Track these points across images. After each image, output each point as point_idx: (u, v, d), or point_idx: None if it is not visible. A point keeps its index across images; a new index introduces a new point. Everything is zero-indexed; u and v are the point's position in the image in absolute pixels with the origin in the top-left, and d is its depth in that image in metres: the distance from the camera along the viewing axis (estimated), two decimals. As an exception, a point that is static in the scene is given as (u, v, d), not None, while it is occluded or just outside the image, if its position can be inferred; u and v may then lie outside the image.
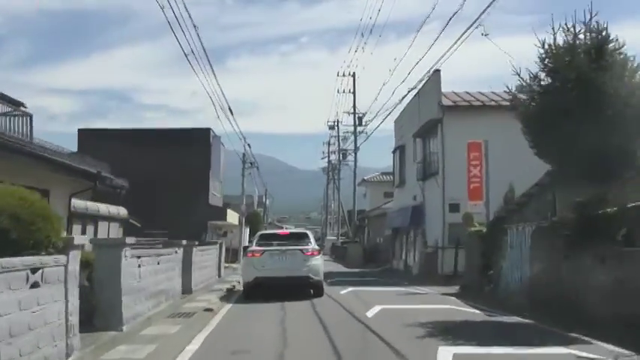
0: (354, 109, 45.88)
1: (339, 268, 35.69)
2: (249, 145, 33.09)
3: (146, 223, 24.05)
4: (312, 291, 14.46)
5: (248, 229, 43.53)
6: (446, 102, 22.67)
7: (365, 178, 49.73)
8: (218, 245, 24.05)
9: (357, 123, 45.34)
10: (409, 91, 24.44)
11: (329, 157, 71.39)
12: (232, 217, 35.11)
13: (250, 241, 25.48)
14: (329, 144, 67.99)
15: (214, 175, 32.00)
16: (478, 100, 22.85)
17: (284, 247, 14.58)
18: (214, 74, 17.55)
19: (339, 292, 16.10)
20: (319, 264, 14.68)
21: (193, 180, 31.41)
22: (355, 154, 45.72)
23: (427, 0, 36.35)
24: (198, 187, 31.62)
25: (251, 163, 37.16)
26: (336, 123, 62.68)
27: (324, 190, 74.89)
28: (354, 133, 45.50)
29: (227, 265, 29.86)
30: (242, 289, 15.67)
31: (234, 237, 38.76)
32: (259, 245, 14.96)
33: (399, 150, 28.95)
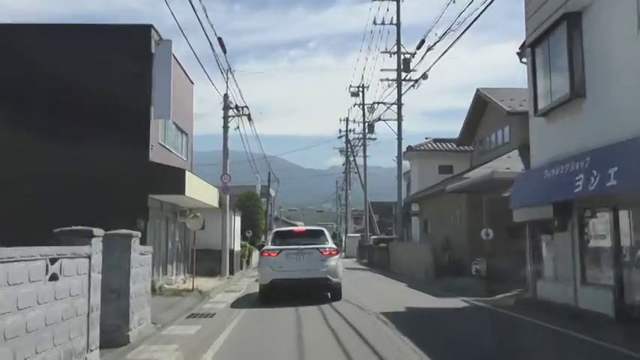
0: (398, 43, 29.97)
1: (390, 287, 20.11)
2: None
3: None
4: (329, 294, 13.99)
5: (238, 220, 27.86)
6: None
7: (412, 145, 33.94)
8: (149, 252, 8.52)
9: (401, 67, 29.48)
10: None
11: (347, 130, 56.28)
12: (204, 191, 19.44)
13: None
14: (346, 121, 53.21)
15: (160, 109, 16.42)
16: None
17: (301, 246, 14.01)
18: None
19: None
20: (338, 264, 14.17)
21: (120, 117, 16.08)
22: (399, 107, 29.82)
23: None
24: (129, 131, 16.20)
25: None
26: (360, 88, 47.53)
27: (346, 170, 58.97)
28: (398, 77, 29.60)
29: (196, 287, 14.62)
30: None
31: (213, 229, 23.19)
32: (274, 244, 14.46)
33: (571, 23, 12.18)
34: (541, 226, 13.41)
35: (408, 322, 10.74)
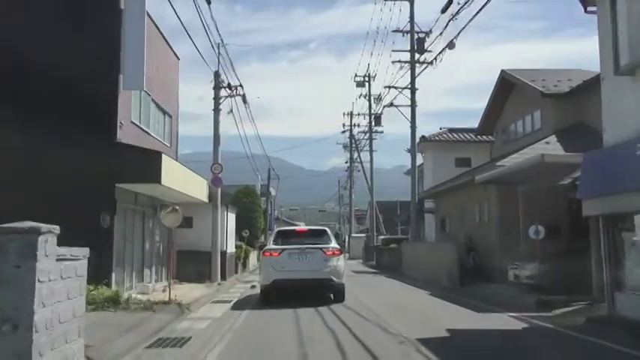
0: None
1: (410, 295, 16.99)
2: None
3: None
4: (332, 296, 13.72)
5: (233, 217, 24.71)
6: None
7: (426, 136, 30.74)
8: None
9: (415, 47, 26.30)
10: None
11: (351, 125, 53.23)
12: (189, 182, 16.29)
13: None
14: (350, 115, 50.13)
15: (131, 78, 13.21)
16: None
17: (304, 246, 13.59)
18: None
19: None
20: (341, 265, 13.75)
21: (82, 87, 12.95)
22: (413, 92, 26.64)
23: None
24: (93, 105, 13.06)
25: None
26: (366, 77, 44.48)
27: (350, 166, 55.81)
28: (412, 57, 26.42)
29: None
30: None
31: (202, 228, 20.05)
32: (276, 243, 14.04)
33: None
34: (621, 222, 10.18)
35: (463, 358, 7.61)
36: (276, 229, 17.47)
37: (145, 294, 14.73)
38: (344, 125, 56.96)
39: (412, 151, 27.58)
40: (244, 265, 27.88)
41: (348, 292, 14.36)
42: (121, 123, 13.48)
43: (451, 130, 31.59)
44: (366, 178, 47.96)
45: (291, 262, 13.38)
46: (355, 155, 54.19)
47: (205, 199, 18.93)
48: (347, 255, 54.27)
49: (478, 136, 30.11)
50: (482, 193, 20.28)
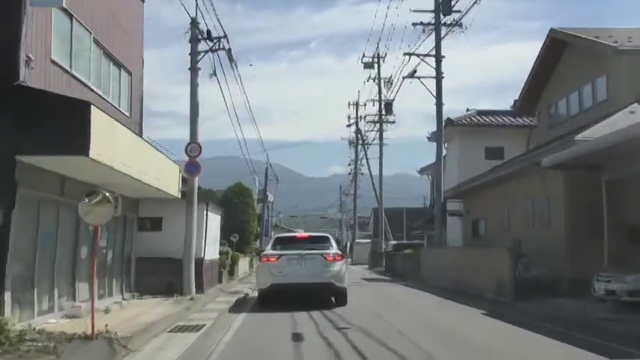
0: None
1: (455, 314, 12.21)
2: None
3: None
4: (334, 299, 13.37)
5: (217, 219, 19.67)
6: None
7: (452, 119, 25.96)
8: None
9: (440, 9, 21.66)
10: None
11: (357, 115, 48.59)
12: (147, 161, 11.50)
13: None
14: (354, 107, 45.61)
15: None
16: None
17: (303, 252, 13.20)
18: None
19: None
20: (343, 269, 13.40)
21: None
22: (438, 61, 21.97)
23: None
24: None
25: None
26: (375, 57, 39.96)
27: (355, 163, 51.14)
28: (436, 18, 21.76)
29: None
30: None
31: (174, 229, 15.31)
32: (275, 249, 13.71)
33: None
34: None
35: None
36: (275, 236, 16.70)
37: (74, 317, 10.04)
38: (349, 118, 52.42)
39: (438, 135, 22.97)
40: (231, 273, 23.13)
41: (364, 308, 13.09)
42: (28, 57, 8.76)
43: (480, 113, 26.86)
44: (372, 178, 43.36)
45: (289, 267, 12.86)
46: (361, 159, 49.68)
47: (176, 192, 14.21)
48: (349, 260, 49.71)
49: (513, 119, 25.63)
50: (537, 185, 15.70)
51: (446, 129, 25.50)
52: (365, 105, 49.84)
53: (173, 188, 13.93)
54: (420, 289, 18.87)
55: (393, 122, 40.27)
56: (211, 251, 17.75)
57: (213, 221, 18.02)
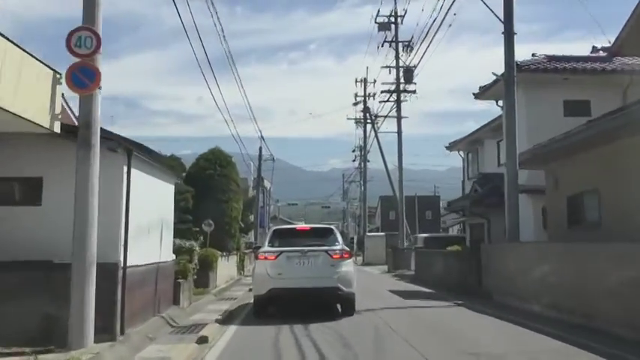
0: None
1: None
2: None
3: None
4: (340, 307, 11.91)
5: (170, 191, 11.93)
6: None
7: (520, 62, 18.20)
8: None
9: None
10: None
11: (365, 92, 41.66)
12: None
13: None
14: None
15: None
16: None
17: (305, 248, 11.51)
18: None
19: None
20: (351, 270, 11.77)
21: None
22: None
23: None
24: None
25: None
26: (392, 16, 33.02)
27: (363, 145, 43.75)
28: None
29: None
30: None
31: (63, 206, 7.72)
32: (273, 245, 12.00)
33: None
34: None
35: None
36: (273, 228, 14.17)
37: None
38: (356, 96, 45.19)
39: (507, 74, 15.36)
40: (202, 284, 15.67)
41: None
42: None
43: (551, 59, 19.24)
44: (384, 162, 36.02)
45: (290, 268, 11.35)
46: (371, 143, 42.34)
47: (44, 118, 6.81)
48: (359, 259, 42.56)
49: (602, 63, 18.35)
50: None
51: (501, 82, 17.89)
52: (374, 82, 42.84)
53: (33, 110, 6.54)
54: (511, 320, 11.25)
55: (414, 92, 32.79)
56: (150, 249, 10.20)
57: (153, 192, 10.46)
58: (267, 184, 50.54)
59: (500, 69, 16.62)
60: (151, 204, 10.22)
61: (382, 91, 32.92)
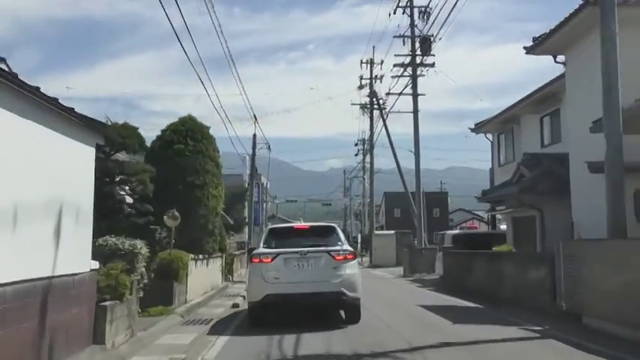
0: None
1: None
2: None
3: None
4: (344, 314, 10.82)
5: (79, 153, 7.28)
6: None
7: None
8: None
9: None
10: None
11: (372, 74, 37.50)
12: None
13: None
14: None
15: None
16: None
17: (305, 249, 10.36)
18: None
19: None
20: (356, 273, 10.58)
21: None
22: None
23: None
24: None
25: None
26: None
27: (370, 129, 39.12)
28: None
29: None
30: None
31: None
32: (269, 245, 10.93)
33: None
34: None
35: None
36: (269, 227, 13.31)
37: None
38: (361, 79, 40.73)
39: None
40: (164, 301, 10.91)
41: None
42: None
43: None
44: (390, 142, 31.51)
45: (288, 271, 10.22)
46: (378, 132, 37.68)
47: None
48: (365, 261, 38.20)
49: None
50: None
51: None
52: (382, 63, 38.36)
53: None
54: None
55: (432, 65, 28.08)
56: (28, 253, 5.47)
57: (36, 151, 5.74)
58: (263, 179, 46.22)
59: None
60: (29, 172, 5.52)
61: (395, 65, 28.12)
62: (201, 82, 13.17)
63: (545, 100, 20.25)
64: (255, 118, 28.15)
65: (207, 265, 15.83)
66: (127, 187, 12.20)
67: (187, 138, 14.03)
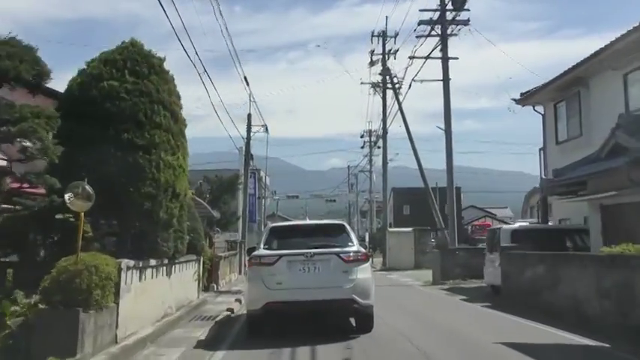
0: None
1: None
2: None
3: None
4: (355, 323, 9.62)
5: None
6: None
7: None
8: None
9: None
10: None
11: (385, 43, 32.76)
12: None
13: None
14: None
15: None
16: None
17: (311, 251, 9.18)
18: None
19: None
20: (368, 277, 9.39)
21: None
22: None
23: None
24: None
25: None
26: None
27: (383, 113, 34.01)
28: None
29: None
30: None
31: None
32: (270, 246, 9.80)
33: None
34: None
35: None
36: (270, 226, 11.84)
37: None
38: (372, 54, 35.66)
39: None
40: (60, 350, 5.80)
41: None
42: None
43: None
44: (405, 122, 26.51)
45: (292, 276, 9.09)
46: (391, 120, 32.61)
47: None
48: (376, 262, 33.15)
49: None
50: None
51: None
52: (395, 37, 33.23)
53: None
54: None
55: (466, 24, 22.88)
56: None
57: None
58: (262, 174, 41.41)
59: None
60: None
61: (420, 22, 22.84)
62: (201, 79, 8.17)
63: (629, 51, 15.07)
64: (251, 94, 22.93)
65: (169, 274, 10.62)
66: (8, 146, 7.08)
67: (125, 72, 8.63)
